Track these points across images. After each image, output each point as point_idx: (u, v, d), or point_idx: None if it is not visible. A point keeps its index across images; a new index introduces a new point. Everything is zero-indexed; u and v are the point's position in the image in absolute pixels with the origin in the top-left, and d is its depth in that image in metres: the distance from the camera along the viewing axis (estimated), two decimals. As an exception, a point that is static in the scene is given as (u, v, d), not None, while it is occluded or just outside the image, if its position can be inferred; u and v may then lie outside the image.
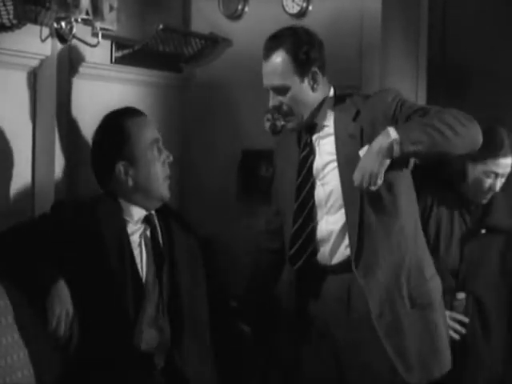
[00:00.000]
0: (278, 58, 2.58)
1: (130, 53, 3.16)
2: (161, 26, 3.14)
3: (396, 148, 2.47)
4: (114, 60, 3.12)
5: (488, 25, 3.70)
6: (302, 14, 3.43)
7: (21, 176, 2.74)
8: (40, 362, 2.42)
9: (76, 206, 2.57)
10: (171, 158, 2.64)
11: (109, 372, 2.43)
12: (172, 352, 2.53)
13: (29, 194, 2.76)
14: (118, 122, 2.59)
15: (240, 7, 3.53)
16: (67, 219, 2.52)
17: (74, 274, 2.45)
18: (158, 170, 2.60)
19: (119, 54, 3.14)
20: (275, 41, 2.61)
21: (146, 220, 2.61)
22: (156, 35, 3.16)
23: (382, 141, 2.48)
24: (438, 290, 2.71)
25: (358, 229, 2.59)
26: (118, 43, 3.12)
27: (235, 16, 3.54)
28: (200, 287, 2.67)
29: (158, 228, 2.64)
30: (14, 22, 2.59)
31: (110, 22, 2.90)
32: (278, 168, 2.83)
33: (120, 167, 2.57)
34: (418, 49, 3.71)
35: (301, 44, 2.59)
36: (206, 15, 3.57)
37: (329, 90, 2.67)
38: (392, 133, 2.48)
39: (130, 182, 2.57)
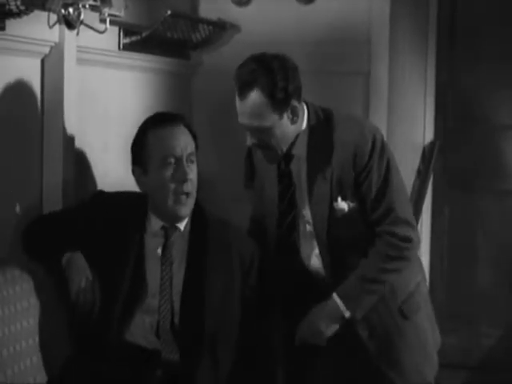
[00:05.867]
0: (255, 99, 2.42)
1: (137, 39, 3.13)
2: (169, 12, 3.11)
3: (348, 316, 2.53)
4: (121, 47, 3.10)
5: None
6: (310, -1, 3.43)
7: (30, 168, 2.73)
8: (49, 347, 2.43)
9: (113, 202, 2.57)
10: (188, 177, 2.47)
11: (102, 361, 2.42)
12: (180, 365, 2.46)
13: (37, 180, 2.76)
14: (142, 129, 2.54)
15: (248, -8, 3.52)
16: (98, 211, 2.53)
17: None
18: (168, 189, 2.45)
19: (127, 40, 3.11)
20: (249, 78, 2.43)
21: (164, 232, 2.52)
22: (164, 21, 3.14)
23: (332, 312, 2.52)
24: (424, 294, 2.69)
25: (330, 262, 2.57)
26: (126, 30, 3.10)
27: (243, 2, 3.54)
28: (228, 311, 2.52)
29: (173, 243, 2.53)
30: (22, 8, 2.57)
31: (118, 8, 2.88)
32: (258, 176, 2.73)
33: (136, 170, 2.54)
34: (427, 31, 3.71)
35: (277, 81, 2.40)
36: (214, 1, 3.56)
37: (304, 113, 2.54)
38: (342, 308, 2.51)
39: (142, 189, 2.55)
